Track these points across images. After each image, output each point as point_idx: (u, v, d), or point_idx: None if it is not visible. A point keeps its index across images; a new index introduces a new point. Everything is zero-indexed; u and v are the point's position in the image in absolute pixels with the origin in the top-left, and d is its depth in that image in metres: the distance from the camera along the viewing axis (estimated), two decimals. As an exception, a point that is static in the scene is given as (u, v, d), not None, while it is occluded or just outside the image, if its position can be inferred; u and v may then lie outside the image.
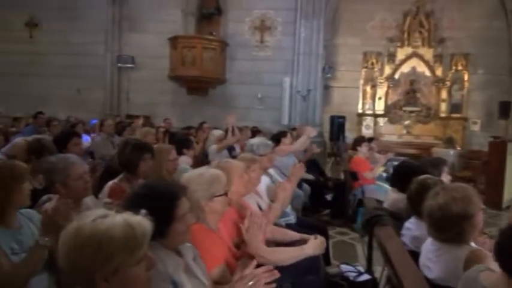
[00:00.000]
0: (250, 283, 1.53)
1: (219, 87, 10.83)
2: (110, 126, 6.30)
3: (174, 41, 10.07)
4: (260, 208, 3.00)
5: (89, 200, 2.50)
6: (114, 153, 4.18)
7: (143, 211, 1.20)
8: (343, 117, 10.29)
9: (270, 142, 3.94)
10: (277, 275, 1.55)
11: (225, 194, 2.07)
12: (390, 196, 3.37)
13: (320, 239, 2.45)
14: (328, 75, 10.83)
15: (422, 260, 2.08)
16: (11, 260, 1.75)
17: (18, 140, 4.58)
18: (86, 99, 10.94)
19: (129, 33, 11.05)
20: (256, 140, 3.90)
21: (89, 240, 1.08)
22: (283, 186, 2.85)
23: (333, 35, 11.14)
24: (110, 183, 2.89)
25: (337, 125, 10.07)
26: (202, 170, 2.12)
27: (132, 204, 1.47)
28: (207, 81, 10.56)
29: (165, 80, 10.61)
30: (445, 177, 3.28)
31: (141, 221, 1.16)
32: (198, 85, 10.68)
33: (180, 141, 4.49)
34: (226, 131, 5.92)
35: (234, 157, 5.41)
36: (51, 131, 6.11)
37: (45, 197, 2.54)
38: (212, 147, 5.66)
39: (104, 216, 1.14)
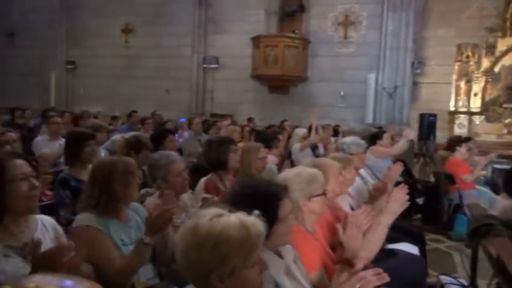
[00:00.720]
0: (358, 285, 1.44)
1: (301, 85, 10.70)
2: (197, 125, 6.56)
3: (256, 40, 10.16)
4: (352, 209, 2.87)
5: (185, 196, 2.59)
6: (201, 150, 4.32)
7: (256, 212, 1.16)
8: (434, 115, 9.55)
9: (362, 142, 3.79)
10: (387, 278, 1.43)
11: (323, 193, 1.99)
12: (500, 203, 3.05)
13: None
14: (418, 71, 10.15)
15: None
16: (121, 251, 1.86)
17: (116, 137, 4.95)
18: (174, 98, 11.50)
19: (214, 34, 11.39)
20: (348, 139, 3.77)
21: (206, 240, 1.07)
22: (380, 187, 2.69)
23: (422, 27, 10.39)
24: (204, 179, 2.96)
25: (428, 123, 9.36)
26: (300, 169, 2.05)
27: (235, 203, 1.46)
28: (289, 80, 10.49)
29: (247, 79, 10.75)
30: None
31: (255, 222, 1.13)
32: (280, 83, 10.66)
33: (266, 140, 4.49)
34: (309, 129, 5.83)
35: (317, 156, 5.32)
36: (145, 128, 6.51)
37: (143, 191, 2.67)
38: (295, 146, 5.62)
39: (219, 215, 1.12)
